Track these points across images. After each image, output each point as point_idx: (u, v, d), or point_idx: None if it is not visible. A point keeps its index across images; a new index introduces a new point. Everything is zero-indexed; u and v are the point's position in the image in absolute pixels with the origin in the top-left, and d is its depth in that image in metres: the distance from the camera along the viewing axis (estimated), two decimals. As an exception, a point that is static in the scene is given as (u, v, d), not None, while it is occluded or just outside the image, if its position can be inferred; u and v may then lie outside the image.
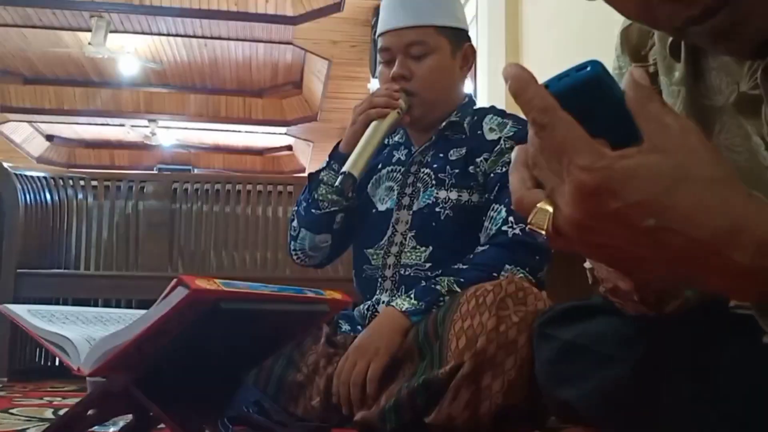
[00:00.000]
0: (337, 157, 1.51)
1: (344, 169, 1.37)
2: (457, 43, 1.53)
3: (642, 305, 0.73)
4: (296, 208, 1.59)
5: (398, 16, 1.49)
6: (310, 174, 1.56)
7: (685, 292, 0.70)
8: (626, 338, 0.81)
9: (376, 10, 5.50)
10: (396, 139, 1.61)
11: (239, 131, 10.63)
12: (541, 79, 0.49)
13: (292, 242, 1.60)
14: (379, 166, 1.57)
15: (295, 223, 1.59)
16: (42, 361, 2.99)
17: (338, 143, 1.54)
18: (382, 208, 1.53)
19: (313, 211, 1.53)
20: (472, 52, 1.57)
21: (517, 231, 1.37)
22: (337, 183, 1.39)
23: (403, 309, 1.32)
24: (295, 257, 1.63)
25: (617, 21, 0.72)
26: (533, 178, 0.50)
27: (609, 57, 0.79)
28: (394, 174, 1.55)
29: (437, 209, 1.46)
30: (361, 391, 1.28)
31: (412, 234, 1.47)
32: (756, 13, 0.54)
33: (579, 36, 2.75)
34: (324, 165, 1.54)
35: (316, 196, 1.52)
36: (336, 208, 1.52)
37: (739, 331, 0.71)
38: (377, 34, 1.55)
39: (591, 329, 0.87)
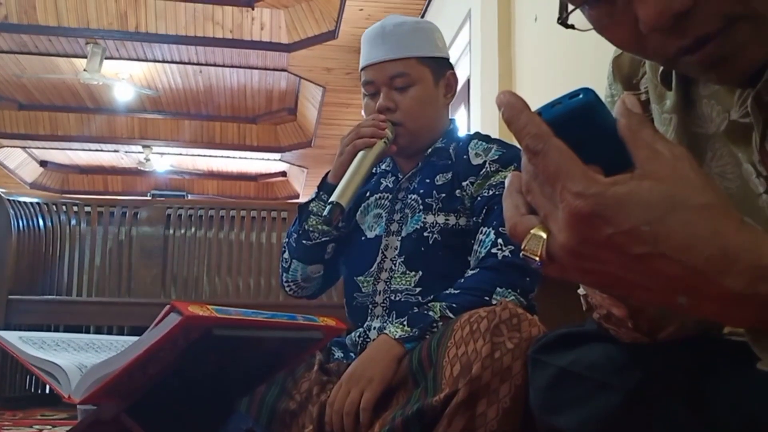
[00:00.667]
0: (326, 187, 1.52)
1: (332, 198, 1.38)
2: (440, 71, 1.55)
3: (636, 332, 0.72)
4: (287, 240, 1.60)
5: (380, 50, 1.51)
6: (300, 205, 1.57)
7: (680, 319, 0.70)
8: (620, 365, 0.80)
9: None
10: (383, 167, 1.62)
11: (233, 157, 10.65)
12: (534, 106, 0.49)
13: (284, 274, 1.61)
14: (367, 194, 1.58)
15: (286, 255, 1.59)
16: (32, 388, 2.97)
17: (327, 174, 1.55)
18: (371, 235, 1.53)
19: (303, 242, 1.53)
20: (455, 79, 1.59)
21: (506, 253, 1.37)
22: (325, 213, 1.40)
23: (397, 336, 1.31)
24: (287, 289, 1.63)
25: (609, 49, 0.73)
26: (527, 204, 0.50)
27: (601, 85, 0.80)
28: (382, 201, 1.56)
29: (425, 234, 1.46)
30: (354, 421, 1.26)
31: (402, 259, 1.47)
32: (746, 43, 0.55)
33: (571, 64, 2.78)
34: (313, 196, 1.55)
35: (306, 227, 1.53)
36: (327, 238, 1.53)
37: (733, 358, 0.71)
38: (360, 68, 1.57)
39: (585, 356, 0.87)
